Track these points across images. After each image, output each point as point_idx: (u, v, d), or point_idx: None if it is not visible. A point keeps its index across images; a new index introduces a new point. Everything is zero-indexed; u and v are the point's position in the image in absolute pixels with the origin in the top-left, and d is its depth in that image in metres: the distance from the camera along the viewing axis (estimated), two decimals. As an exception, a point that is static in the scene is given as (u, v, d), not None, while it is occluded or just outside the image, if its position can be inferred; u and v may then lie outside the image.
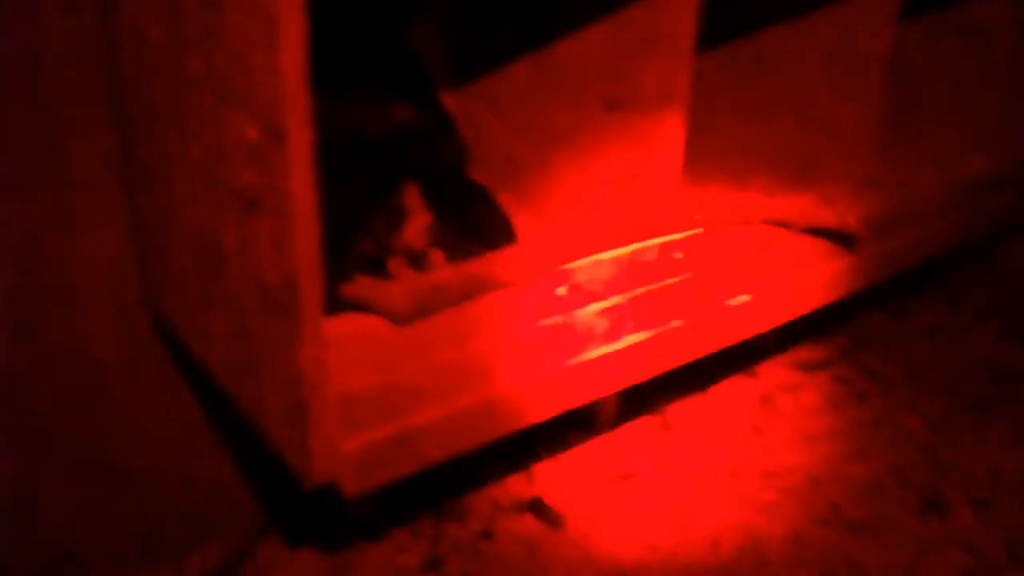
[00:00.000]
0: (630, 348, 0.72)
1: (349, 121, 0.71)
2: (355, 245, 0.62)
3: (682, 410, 1.07)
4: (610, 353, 0.71)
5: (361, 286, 0.57)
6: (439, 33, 0.92)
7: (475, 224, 0.74)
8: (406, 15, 0.86)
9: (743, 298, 0.82)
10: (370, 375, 0.57)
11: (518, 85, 0.84)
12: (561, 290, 0.65)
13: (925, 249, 1.07)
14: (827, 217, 0.83)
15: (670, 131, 0.70)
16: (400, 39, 0.84)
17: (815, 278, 0.90)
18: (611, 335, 0.70)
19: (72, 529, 0.76)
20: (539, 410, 0.67)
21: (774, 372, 1.16)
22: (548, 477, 0.95)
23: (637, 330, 0.72)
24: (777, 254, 0.85)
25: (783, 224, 0.82)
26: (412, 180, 0.67)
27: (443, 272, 0.60)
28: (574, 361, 0.68)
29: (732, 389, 1.12)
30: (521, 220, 0.80)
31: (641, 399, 1.04)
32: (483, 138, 0.89)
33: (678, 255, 0.73)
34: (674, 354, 0.77)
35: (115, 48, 0.65)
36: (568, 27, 0.77)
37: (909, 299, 1.34)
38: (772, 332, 1.12)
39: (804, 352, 1.20)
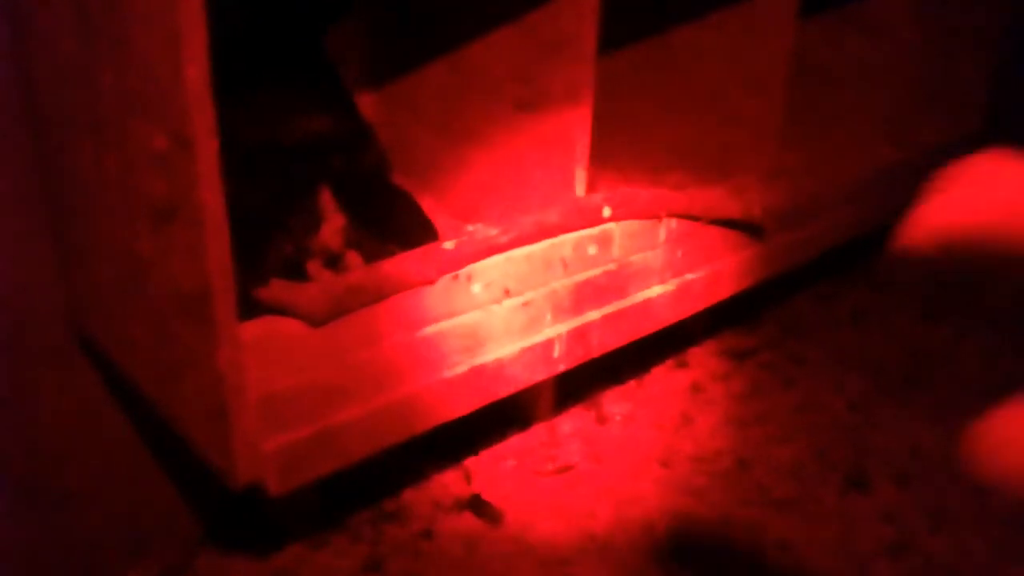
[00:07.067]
0: (548, 341, 0.74)
1: (267, 130, 0.72)
2: (273, 249, 0.63)
3: (616, 401, 1.09)
4: (528, 347, 0.73)
5: (275, 289, 0.58)
6: (360, 36, 0.93)
7: (396, 226, 0.75)
8: (325, 24, 0.87)
9: (657, 289, 0.85)
10: (289, 376, 0.58)
11: (436, 87, 0.86)
12: (476, 287, 0.66)
13: (836, 236, 1.11)
14: (732, 209, 0.86)
15: (576, 131, 0.72)
16: (319, 50, 0.86)
17: (724, 268, 0.93)
18: (529, 329, 0.73)
19: (5, 555, 0.75)
20: (458, 406, 0.69)
21: (705, 361, 1.19)
22: (486, 473, 0.96)
23: (555, 323, 0.75)
24: (687, 246, 0.88)
25: (691, 217, 0.85)
26: (326, 184, 0.69)
27: (358, 273, 0.62)
28: (491, 356, 0.70)
29: (664, 379, 1.14)
30: (442, 221, 0.82)
31: (576, 392, 1.07)
32: (405, 141, 0.91)
33: (592, 250, 0.75)
34: (592, 345, 0.79)
35: (29, 59, 0.66)
36: (479, 30, 0.79)
37: (836, 284, 1.38)
38: (701, 321, 1.16)
39: (733, 339, 1.23)
